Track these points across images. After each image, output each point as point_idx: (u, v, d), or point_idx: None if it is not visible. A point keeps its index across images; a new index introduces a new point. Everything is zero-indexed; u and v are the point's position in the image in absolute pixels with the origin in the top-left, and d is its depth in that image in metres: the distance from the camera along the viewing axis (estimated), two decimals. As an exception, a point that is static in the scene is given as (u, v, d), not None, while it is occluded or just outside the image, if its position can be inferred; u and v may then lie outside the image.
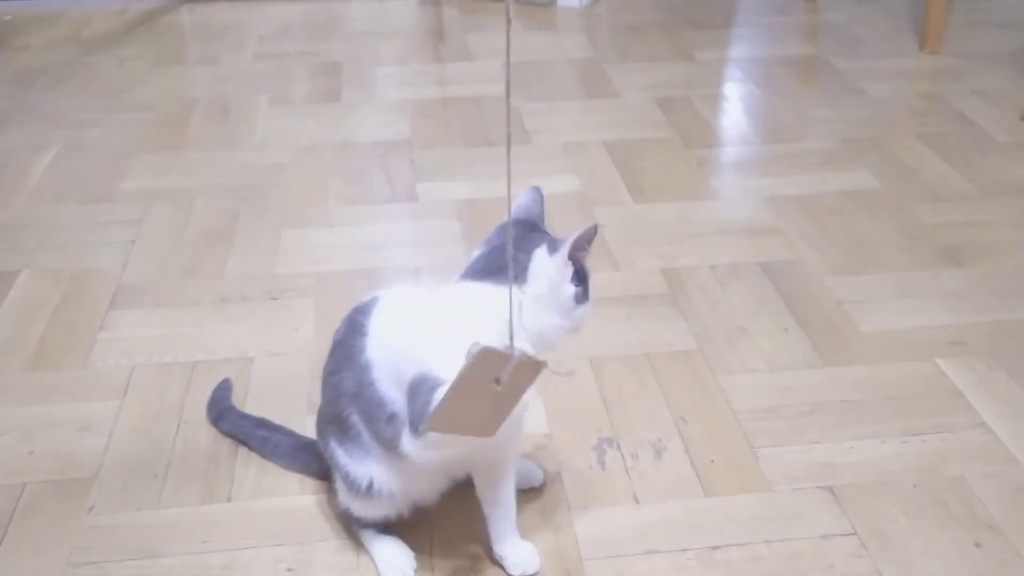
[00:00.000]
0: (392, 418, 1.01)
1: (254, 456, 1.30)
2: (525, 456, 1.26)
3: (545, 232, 1.07)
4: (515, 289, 0.98)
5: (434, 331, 0.99)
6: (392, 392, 1.01)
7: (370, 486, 1.08)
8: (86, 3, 3.19)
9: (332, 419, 1.10)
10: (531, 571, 1.11)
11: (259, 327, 1.56)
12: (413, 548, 1.14)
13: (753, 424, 1.35)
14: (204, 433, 1.34)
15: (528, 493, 1.22)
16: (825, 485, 1.24)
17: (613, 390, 1.42)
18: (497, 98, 2.43)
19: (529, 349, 0.94)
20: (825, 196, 1.95)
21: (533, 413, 1.35)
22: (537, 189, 1.11)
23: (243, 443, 1.31)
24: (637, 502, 1.22)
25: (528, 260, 1.02)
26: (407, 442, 0.99)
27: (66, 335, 1.55)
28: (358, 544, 1.16)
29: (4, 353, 1.51)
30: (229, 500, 1.23)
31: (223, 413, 1.34)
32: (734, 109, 2.42)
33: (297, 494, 1.24)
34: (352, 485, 1.09)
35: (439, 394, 0.93)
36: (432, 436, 0.95)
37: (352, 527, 1.16)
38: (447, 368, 0.93)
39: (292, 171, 2.08)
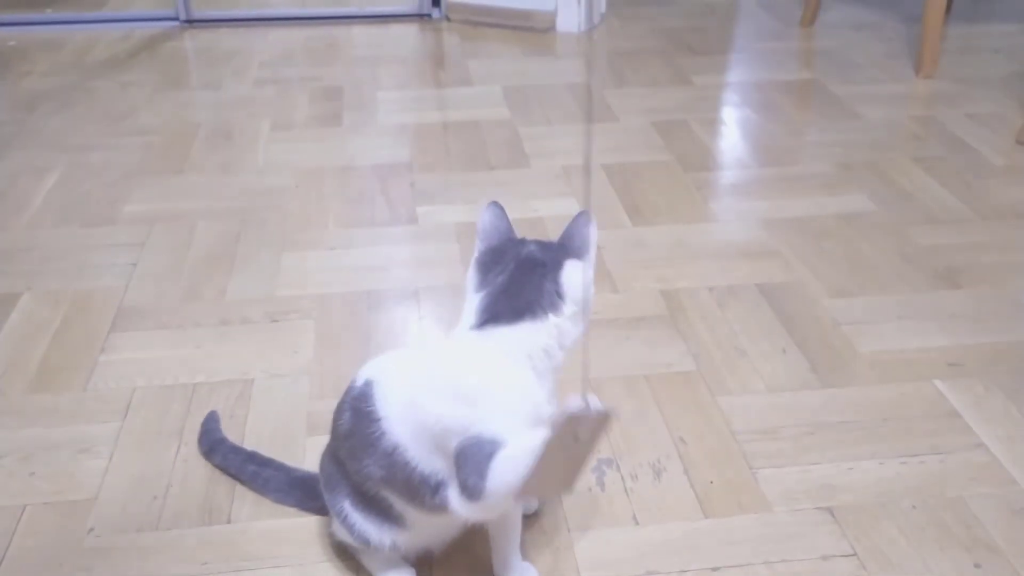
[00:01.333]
0: (439, 487, 0.99)
1: (254, 477, 1.30)
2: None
3: (535, 243, 1.02)
4: (552, 317, 0.97)
5: (466, 393, 0.96)
6: (433, 464, 0.99)
7: (386, 546, 1.08)
8: (89, 29, 3.22)
9: (353, 493, 1.08)
10: None
11: (260, 349, 1.57)
12: (413, 565, 1.14)
13: (752, 445, 1.35)
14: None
15: (528, 515, 1.22)
16: (824, 506, 1.24)
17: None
18: (496, 122, 2.45)
19: (596, 402, 0.90)
20: (822, 219, 1.96)
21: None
22: (496, 204, 1.06)
23: (234, 477, 1.30)
24: (637, 523, 1.23)
25: (557, 282, 0.98)
26: (460, 505, 0.96)
27: (67, 357, 1.55)
28: (358, 565, 1.16)
29: (5, 375, 1.51)
30: (229, 521, 1.23)
31: (214, 446, 1.33)
32: (732, 133, 2.44)
33: (297, 515, 1.24)
34: (365, 543, 1.09)
35: (502, 458, 0.91)
36: (493, 499, 0.93)
37: (353, 552, 1.16)
38: (495, 425, 0.93)
39: (293, 194, 2.09)
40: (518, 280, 0.99)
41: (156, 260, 1.83)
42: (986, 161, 2.21)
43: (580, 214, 1.03)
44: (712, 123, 2.47)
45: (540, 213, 1.98)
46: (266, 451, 1.34)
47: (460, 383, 0.96)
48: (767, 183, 2.14)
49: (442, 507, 0.99)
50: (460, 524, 1.08)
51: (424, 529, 1.08)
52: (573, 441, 0.89)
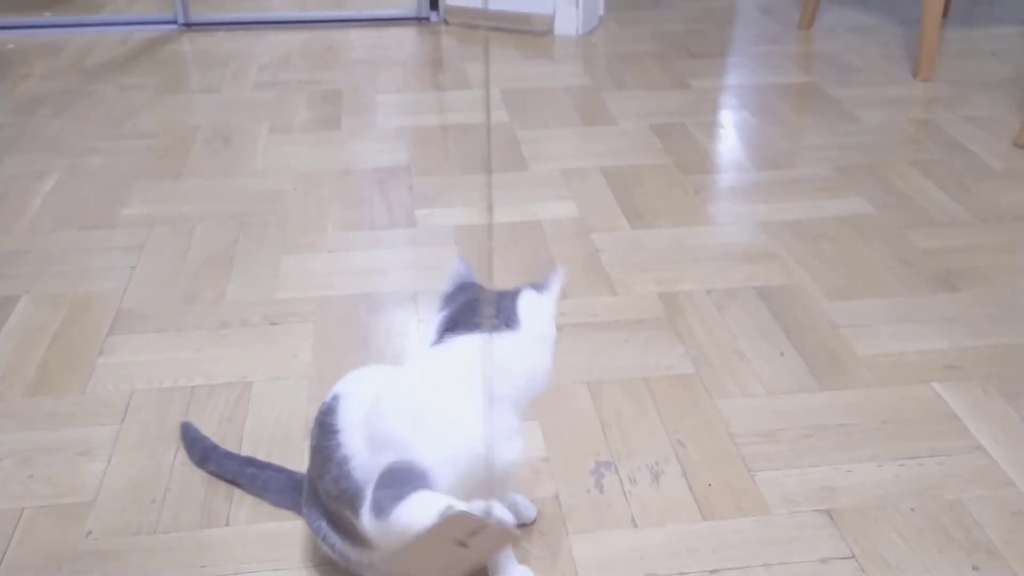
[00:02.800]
0: (359, 496, 0.99)
1: (253, 480, 1.30)
2: (521, 483, 1.26)
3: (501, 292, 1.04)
4: (508, 333, 0.98)
5: (410, 413, 0.97)
6: (364, 470, 0.99)
7: (367, 566, 1.08)
8: (88, 32, 3.22)
9: (328, 514, 1.09)
10: None
11: (259, 352, 1.57)
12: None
13: (751, 448, 1.35)
14: (203, 457, 1.34)
15: (527, 524, 1.22)
16: (823, 509, 1.24)
17: (611, 414, 1.42)
18: (495, 125, 2.45)
19: (501, 515, 0.91)
20: (820, 222, 1.96)
21: (531, 437, 1.36)
22: (467, 262, 1.11)
23: (232, 482, 1.29)
24: (635, 526, 1.23)
25: (514, 303, 1.00)
26: (367, 521, 0.97)
27: (66, 360, 1.55)
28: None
29: (4, 378, 1.51)
30: (227, 524, 1.23)
31: (206, 453, 1.31)
32: (730, 136, 2.44)
33: (295, 519, 1.24)
34: (347, 562, 1.09)
35: (418, 499, 0.90)
36: (391, 529, 0.93)
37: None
38: (430, 452, 0.94)
39: (292, 198, 2.09)
40: (478, 300, 1.02)
41: (155, 263, 1.83)
42: (984, 164, 2.21)
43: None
44: (710, 126, 2.48)
45: (538, 216, 1.98)
46: (264, 454, 1.34)
47: (407, 402, 0.98)
48: (765, 186, 2.14)
49: (358, 523, 0.99)
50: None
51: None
52: (457, 545, 0.87)
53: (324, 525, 1.10)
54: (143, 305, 1.70)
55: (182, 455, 1.35)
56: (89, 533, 1.22)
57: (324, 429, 1.05)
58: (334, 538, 1.09)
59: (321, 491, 1.08)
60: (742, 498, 1.26)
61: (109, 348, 1.58)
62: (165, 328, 1.64)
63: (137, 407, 1.44)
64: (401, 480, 0.93)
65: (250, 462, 1.29)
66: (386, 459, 0.96)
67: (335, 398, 1.07)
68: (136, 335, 1.62)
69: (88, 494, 1.28)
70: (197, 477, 1.31)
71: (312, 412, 1.40)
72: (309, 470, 1.13)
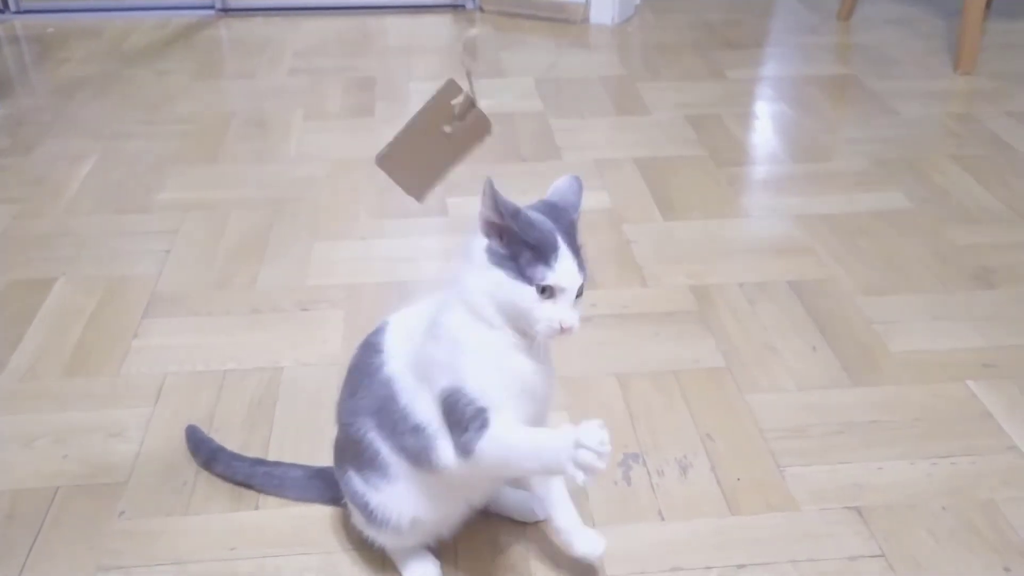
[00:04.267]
0: (418, 429, 1.00)
1: (282, 465, 1.31)
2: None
3: (564, 216, 0.99)
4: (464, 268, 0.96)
5: (455, 334, 0.96)
6: (417, 403, 0.99)
7: (388, 516, 1.07)
8: (126, 17, 3.25)
9: (348, 445, 1.08)
10: (599, 551, 1.10)
11: (289, 338, 1.58)
12: (439, 557, 1.15)
13: (780, 443, 1.34)
14: (233, 441, 1.35)
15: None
16: (853, 506, 1.23)
17: (640, 406, 1.42)
18: (528, 114, 2.44)
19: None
20: (856, 216, 1.94)
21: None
22: (576, 178, 1.04)
23: (244, 484, 1.27)
24: (662, 519, 1.22)
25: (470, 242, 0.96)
26: (450, 460, 0.98)
27: (101, 342, 1.57)
28: (383, 554, 1.16)
29: (41, 359, 1.54)
30: (256, 508, 1.25)
31: (213, 454, 1.29)
32: (765, 128, 2.42)
33: (323, 503, 1.25)
34: (370, 516, 1.08)
35: (492, 438, 0.93)
36: (485, 458, 0.94)
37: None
38: (474, 380, 0.94)
39: (325, 184, 2.10)
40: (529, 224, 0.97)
41: (189, 248, 1.85)
42: (1025, 159, 2.17)
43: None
44: (746, 117, 2.45)
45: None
46: (293, 439, 1.35)
47: (445, 325, 0.96)
48: (800, 179, 2.12)
49: (424, 452, 0.99)
50: (453, 495, 1.07)
51: (420, 484, 1.05)
52: (446, 126, 0.91)
53: (351, 473, 1.08)
54: (177, 289, 1.72)
55: (214, 438, 1.36)
56: (122, 513, 1.24)
57: (367, 348, 1.06)
58: (359, 486, 1.07)
59: (347, 411, 1.07)
60: (770, 493, 1.26)
61: (143, 331, 1.60)
62: (198, 312, 1.65)
63: (170, 390, 1.46)
64: (467, 413, 0.94)
65: (260, 462, 1.28)
66: (440, 380, 0.96)
67: (384, 323, 1.07)
68: (170, 318, 1.63)
69: (121, 475, 1.30)
70: (228, 460, 1.32)
71: (342, 398, 1.42)
72: (342, 393, 1.10)
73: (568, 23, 3.15)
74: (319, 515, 1.23)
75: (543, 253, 0.93)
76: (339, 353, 1.53)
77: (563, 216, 0.98)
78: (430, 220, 1.95)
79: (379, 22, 3.22)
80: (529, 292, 0.93)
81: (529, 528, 1.20)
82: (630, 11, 3.23)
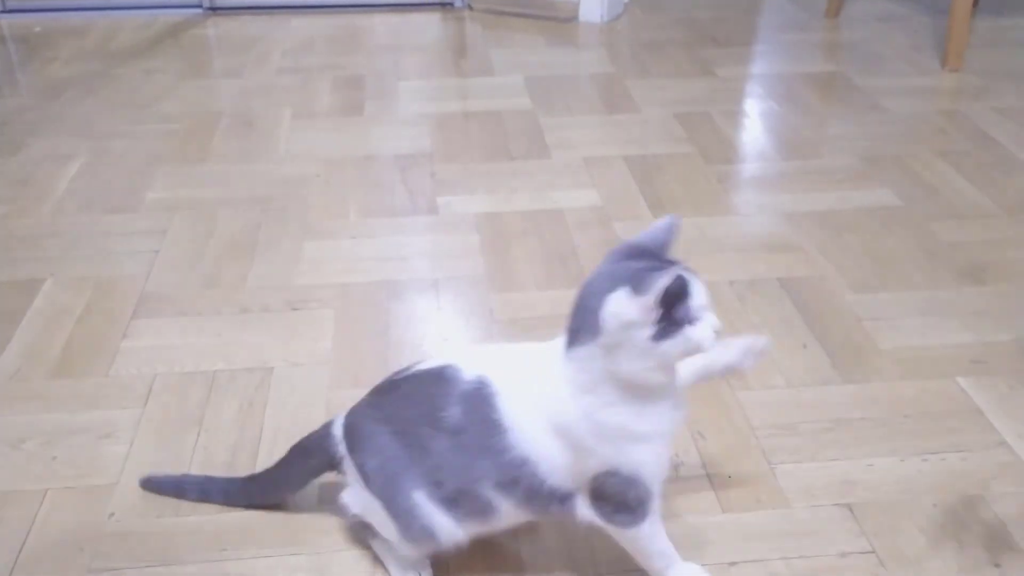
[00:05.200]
0: (566, 498, 1.04)
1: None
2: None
3: (658, 259, 0.97)
4: (587, 347, 0.96)
5: (627, 430, 0.98)
6: (564, 477, 1.02)
7: (454, 540, 1.08)
8: (113, 16, 3.24)
9: (431, 484, 1.05)
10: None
11: (279, 338, 1.57)
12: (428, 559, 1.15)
13: (771, 440, 1.34)
14: (223, 441, 1.35)
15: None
16: (843, 502, 1.24)
17: (631, 404, 1.41)
18: (517, 112, 2.44)
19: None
20: (845, 213, 1.94)
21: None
22: (676, 217, 1.01)
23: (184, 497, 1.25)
24: (654, 517, 1.22)
25: (599, 307, 0.94)
26: (585, 516, 1.04)
27: (89, 343, 1.57)
28: (373, 554, 1.16)
29: (29, 360, 1.53)
30: (247, 509, 1.24)
31: (181, 486, 1.26)
32: (754, 125, 2.42)
33: (314, 504, 1.24)
34: (429, 538, 1.07)
35: (647, 536, 1.05)
36: (628, 536, 1.06)
37: (366, 539, 1.16)
38: (649, 469, 1.01)
39: (314, 183, 2.09)
40: (587, 291, 0.97)
41: (178, 247, 1.84)
42: (1012, 156, 2.18)
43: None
44: (735, 115, 2.46)
45: (560, 204, 1.97)
46: (284, 440, 1.34)
47: (604, 421, 0.98)
48: (789, 176, 2.12)
49: (569, 515, 1.05)
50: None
51: (507, 521, 1.08)
52: None
53: (418, 497, 1.05)
54: (166, 289, 1.71)
55: (204, 439, 1.36)
56: (112, 515, 1.23)
57: (479, 419, 1.02)
58: (426, 511, 1.05)
59: (447, 467, 1.04)
60: (761, 491, 1.26)
61: (132, 331, 1.59)
62: (187, 312, 1.64)
63: (159, 391, 1.45)
64: (621, 496, 1.02)
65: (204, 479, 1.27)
66: (592, 465, 1.00)
67: (484, 385, 1.03)
68: (159, 319, 1.63)
69: (111, 476, 1.29)
70: (218, 461, 1.32)
71: (332, 398, 1.42)
72: (388, 439, 1.07)
73: (557, 21, 3.15)
74: (310, 516, 1.23)
75: (684, 295, 0.94)
76: (329, 353, 1.53)
77: (661, 252, 0.99)
78: (420, 219, 1.94)
79: (367, 20, 3.21)
80: (705, 331, 0.95)
81: (521, 529, 1.20)
82: (619, 9, 3.23)
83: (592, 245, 1.82)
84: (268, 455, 1.32)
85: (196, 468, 1.31)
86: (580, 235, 1.86)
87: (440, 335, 1.58)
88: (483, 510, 1.06)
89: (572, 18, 3.16)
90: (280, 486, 1.23)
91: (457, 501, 1.06)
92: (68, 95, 2.58)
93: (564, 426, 0.99)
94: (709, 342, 0.95)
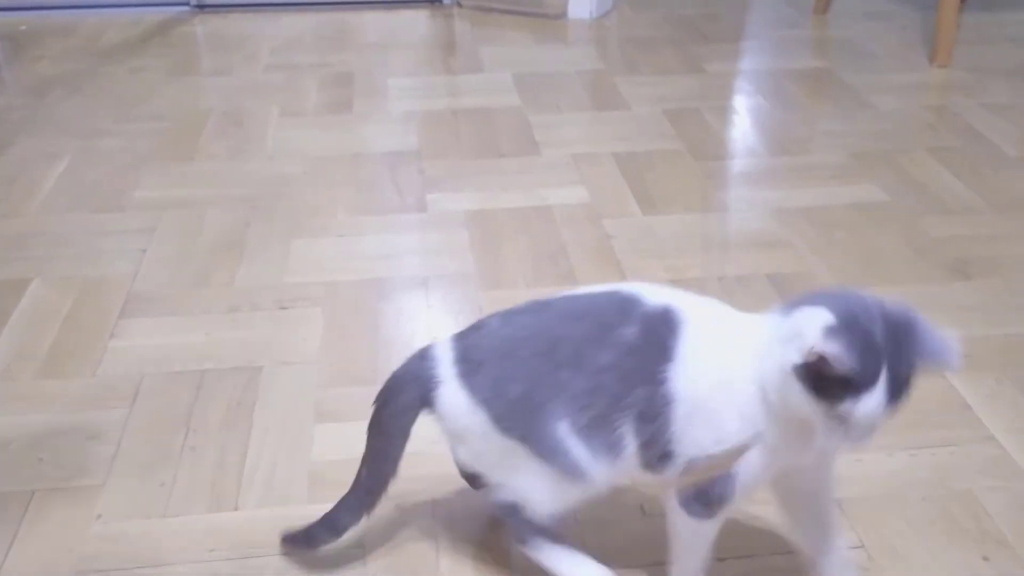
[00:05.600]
0: (665, 456, 0.97)
1: (262, 464, 1.30)
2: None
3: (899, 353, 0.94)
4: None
5: (745, 413, 0.93)
6: (684, 432, 0.95)
7: (596, 480, 1.01)
8: (101, 14, 3.22)
9: (586, 409, 0.96)
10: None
11: (268, 336, 1.57)
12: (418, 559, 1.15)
13: (760, 436, 1.34)
14: (212, 442, 1.34)
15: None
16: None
17: (620, 401, 1.41)
18: (506, 109, 2.44)
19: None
20: (834, 209, 1.95)
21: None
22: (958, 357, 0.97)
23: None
24: (644, 514, 1.22)
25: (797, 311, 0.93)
26: (679, 511, 0.99)
27: (77, 343, 1.56)
28: (363, 553, 1.16)
29: (15, 360, 1.52)
30: (236, 509, 1.24)
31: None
32: (743, 122, 2.42)
33: (305, 503, 1.24)
34: (576, 473, 0.99)
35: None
36: (690, 525, 1.00)
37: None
38: (747, 478, 0.96)
39: (302, 181, 2.09)
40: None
41: (166, 246, 1.84)
42: (1000, 152, 2.19)
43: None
44: (724, 111, 2.46)
45: (549, 201, 1.97)
46: (274, 439, 1.34)
47: (753, 395, 0.92)
48: (779, 172, 2.13)
49: (656, 478, 0.99)
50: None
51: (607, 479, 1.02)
52: None
53: (564, 428, 0.97)
54: (154, 288, 1.70)
55: (192, 439, 1.35)
56: (99, 516, 1.22)
57: (655, 344, 0.95)
58: (572, 443, 0.98)
59: (604, 389, 0.96)
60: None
61: (120, 331, 1.59)
62: (176, 311, 1.64)
63: (147, 391, 1.45)
64: (714, 492, 0.97)
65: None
66: (704, 439, 0.94)
67: (672, 314, 0.96)
68: (147, 318, 1.62)
69: (98, 477, 1.29)
70: (206, 462, 1.31)
71: (321, 397, 1.41)
72: (540, 363, 0.97)
73: (546, 18, 3.15)
74: (300, 515, 1.22)
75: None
76: (318, 352, 1.52)
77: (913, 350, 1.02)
78: (409, 217, 1.94)
79: (356, 18, 3.20)
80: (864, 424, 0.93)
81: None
82: (608, 6, 3.23)
83: (581, 242, 1.82)
84: (256, 455, 1.31)
85: (184, 468, 1.30)
86: (569, 232, 1.86)
87: (429, 333, 1.58)
88: (611, 447, 0.97)
89: (561, 15, 3.15)
90: (387, 453, 1.07)
91: (591, 432, 0.97)
92: (55, 94, 2.57)
93: (726, 382, 0.93)
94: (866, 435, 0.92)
